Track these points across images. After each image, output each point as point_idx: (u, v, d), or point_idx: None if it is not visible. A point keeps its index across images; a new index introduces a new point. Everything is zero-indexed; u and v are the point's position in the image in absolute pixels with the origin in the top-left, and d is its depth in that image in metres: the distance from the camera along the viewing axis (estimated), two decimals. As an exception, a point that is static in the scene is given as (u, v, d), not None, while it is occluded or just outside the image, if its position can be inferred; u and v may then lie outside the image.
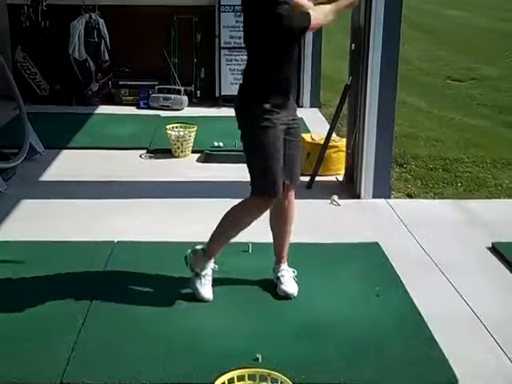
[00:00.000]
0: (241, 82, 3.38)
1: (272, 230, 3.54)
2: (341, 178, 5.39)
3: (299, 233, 3.68)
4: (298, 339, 3.11)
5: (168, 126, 6.10)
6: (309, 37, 7.79)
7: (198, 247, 3.49)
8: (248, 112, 3.29)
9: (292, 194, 3.48)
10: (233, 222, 3.41)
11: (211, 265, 3.45)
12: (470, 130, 7.74)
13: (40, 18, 7.87)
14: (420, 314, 3.33)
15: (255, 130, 3.26)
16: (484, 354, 3.06)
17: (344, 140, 5.49)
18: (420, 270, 3.87)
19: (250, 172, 3.34)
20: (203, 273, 3.43)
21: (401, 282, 3.66)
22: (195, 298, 3.42)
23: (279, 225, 3.52)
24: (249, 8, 3.22)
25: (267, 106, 3.22)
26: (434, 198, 5.17)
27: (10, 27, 8.07)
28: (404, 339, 3.14)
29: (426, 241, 4.22)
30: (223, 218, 3.41)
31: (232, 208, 3.40)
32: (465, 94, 10.23)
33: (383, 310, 3.39)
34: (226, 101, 7.81)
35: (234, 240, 3.60)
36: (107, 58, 8.08)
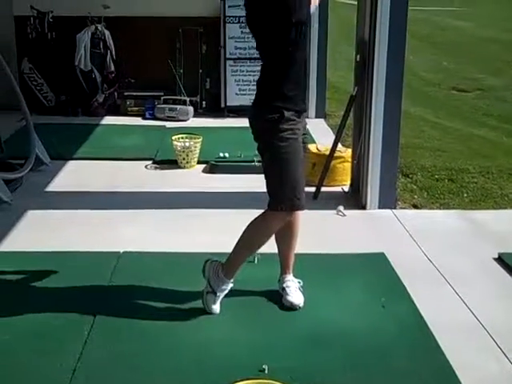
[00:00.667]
0: (249, 92, 3.37)
1: (277, 242, 3.53)
2: (346, 188, 5.38)
3: (305, 243, 3.67)
4: (305, 350, 3.10)
5: (173, 137, 6.12)
6: (314, 47, 7.81)
7: (214, 261, 3.42)
8: (268, 122, 3.12)
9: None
10: (251, 240, 3.33)
11: (228, 285, 3.40)
12: (476, 140, 7.73)
13: (46, 30, 7.93)
14: (426, 323, 3.32)
15: (278, 142, 3.11)
16: (490, 363, 3.04)
17: (349, 150, 5.49)
18: (426, 280, 3.86)
19: (272, 185, 3.20)
20: (218, 293, 3.38)
21: (407, 292, 3.65)
22: (201, 308, 3.41)
23: (284, 237, 3.51)
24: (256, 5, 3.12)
25: (289, 114, 3.11)
26: (439, 209, 5.16)
27: (16, 39, 8.13)
28: (410, 349, 3.13)
29: (432, 251, 4.21)
30: (241, 239, 3.33)
31: (248, 228, 3.31)
32: (470, 105, 10.23)
33: (389, 320, 3.38)
34: (231, 111, 7.84)
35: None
36: (113, 69, 8.13)
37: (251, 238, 3.33)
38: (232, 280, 3.40)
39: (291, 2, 3.01)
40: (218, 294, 3.37)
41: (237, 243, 3.35)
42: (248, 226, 3.33)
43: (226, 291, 3.40)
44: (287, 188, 3.17)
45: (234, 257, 3.37)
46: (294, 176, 3.16)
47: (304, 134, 3.33)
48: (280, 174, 3.17)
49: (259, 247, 3.37)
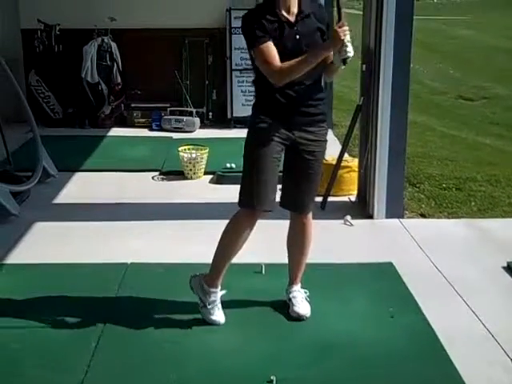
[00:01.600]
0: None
1: (288, 250, 3.54)
2: (353, 198, 5.38)
3: (312, 253, 3.66)
4: (313, 360, 3.09)
5: (180, 148, 6.13)
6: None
7: (197, 275, 3.47)
8: (248, 123, 3.35)
9: (303, 220, 3.44)
10: (223, 241, 3.36)
11: (217, 295, 3.40)
12: (483, 148, 7.72)
13: (53, 43, 7.98)
14: (435, 333, 3.30)
15: (249, 141, 3.30)
16: (499, 373, 3.01)
17: (356, 160, 5.49)
18: (434, 289, 3.84)
19: (241, 181, 3.34)
20: (209, 306, 3.40)
21: (415, 302, 3.64)
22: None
23: (294, 247, 3.52)
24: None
25: (262, 116, 3.23)
26: (447, 218, 5.14)
27: (23, 51, 8.18)
28: (419, 359, 3.11)
29: (440, 260, 4.19)
30: (218, 243, 3.38)
31: (224, 230, 3.38)
32: (477, 113, 10.23)
33: (398, 330, 3.36)
34: (237, 122, 7.84)
35: (247, 261, 3.60)
36: (119, 80, 8.16)
37: (223, 239, 3.36)
38: (218, 289, 3.40)
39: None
40: (209, 306, 3.38)
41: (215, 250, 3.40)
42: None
43: (218, 301, 3.40)
44: (248, 185, 3.29)
45: (213, 264, 3.41)
46: (257, 177, 3.24)
47: (304, 145, 3.29)
48: (245, 173, 3.32)
49: (232, 250, 3.33)
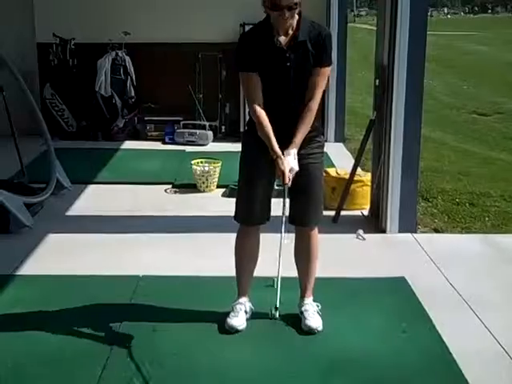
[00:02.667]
0: None
1: (296, 264, 3.55)
2: (366, 212, 5.36)
3: (325, 267, 3.65)
4: (324, 376, 3.06)
5: (193, 161, 6.14)
6: (332, 71, 7.83)
7: None
8: (241, 139, 3.48)
9: (306, 233, 3.45)
10: (235, 255, 3.53)
11: (239, 301, 3.51)
12: (497, 163, 7.69)
13: (68, 57, 8.06)
14: (449, 350, 3.26)
15: (241, 156, 3.39)
16: (515, 392, 2.99)
17: (369, 174, 5.48)
18: (448, 305, 3.81)
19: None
20: (230, 311, 3.50)
21: (428, 317, 3.60)
22: (220, 332, 3.42)
23: (300, 260, 3.53)
24: None
25: (252, 132, 3.26)
26: (461, 233, 5.11)
27: (39, 65, 8.26)
28: (433, 376, 3.08)
29: (454, 276, 4.16)
30: None
31: None
32: (490, 128, 10.19)
33: (411, 346, 3.33)
34: (250, 136, 7.85)
35: (258, 274, 3.59)
36: (133, 94, 8.22)
37: (234, 252, 3.53)
38: (241, 298, 3.52)
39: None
40: (230, 311, 3.49)
41: None
42: None
43: (238, 308, 3.49)
44: (237, 199, 3.44)
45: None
46: (242, 188, 3.39)
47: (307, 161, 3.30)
48: (238, 187, 3.43)
49: (239, 263, 3.51)
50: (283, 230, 3.13)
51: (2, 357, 3.18)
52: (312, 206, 3.40)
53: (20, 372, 3.07)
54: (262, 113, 3.17)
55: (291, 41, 3.16)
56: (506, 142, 9.15)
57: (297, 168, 3.16)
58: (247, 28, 7.72)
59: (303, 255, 3.50)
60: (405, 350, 3.30)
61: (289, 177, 3.13)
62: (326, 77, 3.24)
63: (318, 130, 3.37)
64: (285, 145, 3.18)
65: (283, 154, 3.14)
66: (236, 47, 3.27)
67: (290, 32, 3.15)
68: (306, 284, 3.55)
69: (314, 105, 3.20)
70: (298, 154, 3.20)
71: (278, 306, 3.06)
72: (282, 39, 3.16)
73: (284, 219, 3.18)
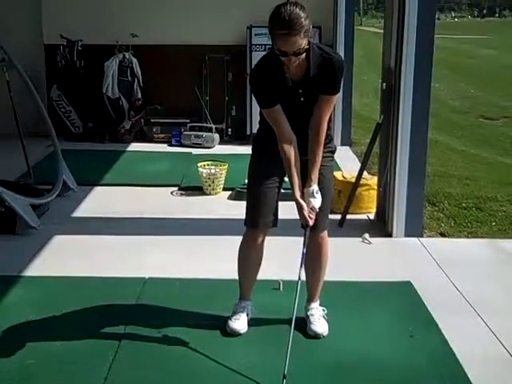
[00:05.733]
0: None
1: (305, 269, 3.52)
2: (372, 216, 5.35)
3: (331, 271, 3.64)
4: (330, 380, 3.06)
5: (199, 164, 6.15)
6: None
7: None
8: (251, 140, 3.54)
9: (318, 238, 3.43)
10: (238, 258, 3.50)
11: (240, 304, 3.50)
12: (504, 168, 7.67)
13: (75, 58, 8.07)
14: (455, 355, 3.25)
15: (251, 159, 3.40)
16: (521, 397, 2.97)
17: (375, 178, 5.47)
18: (454, 310, 3.80)
19: None
20: (231, 314, 3.50)
21: (434, 322, 3.59)
22: (225, 335, 3.42)
23: (310, 266, 3.49)
24: None
25: (259, 139, 3.34)
26: (467, 237, 5.09)
27: (46, 66, 8.28)
28: (438, 380, 3.06)
29: (460, 280, 4.15)
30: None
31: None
32: (498, 133, 10.18)
33: (417, 350, 3.32)
34: (256, 139, 7.85)
35: (264, 277, 3.58)
36: (140, 96, 8.23)
37: (238, 256, 3.51)
38: (243, 302, 3.51)
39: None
40: (231, 314, 3.49)
41: None
42: None
43: (239, 311, 3.48)
44: (247, 204, 3.42)
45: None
46: (250, 193, 3.38)
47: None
48: (247, 191, 3.44)
49: (243, 266, 3.48)
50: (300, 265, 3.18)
51: (9, 357, 3.18)
52: (324, 209, 3.36)
53: (26, 372, 3.07)
54: (290, 153, 3.13)
55: (303, 77, 3.11)
56: (513, 146, 9.14)
57: (318, 205, 3.17)
58: (254, 31, 7.80)
59: (314, 261, 3.47)
60: (411, 353, 3.29)
61: (310, 216, 3.15)
62: (334, 103, 3.23)
63: (328, 137, 3.35)
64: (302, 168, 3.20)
65: (303, 194, 3.18)
66: (250, 82, 3.30)
67: (301, 63, 3.05)
68: (313, 289, 3.54)
69: (322, 135, 3.18)
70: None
71: (285, 373, 2.95)
72: (294, 76, 3.11)
73: (303, 252, 3.20)
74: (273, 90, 3.11)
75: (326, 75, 3.11)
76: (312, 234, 3.41)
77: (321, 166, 3.25)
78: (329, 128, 3.28)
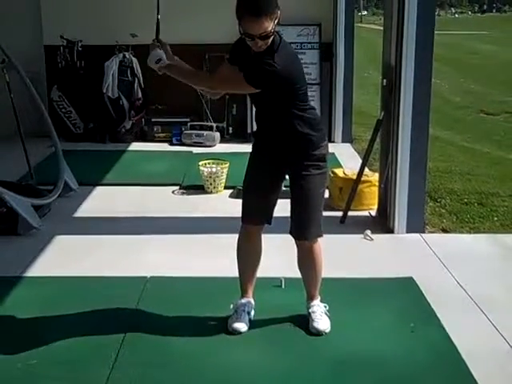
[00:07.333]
0: None
1: (299, 270, 3.51)
2: (374, 212, 5.34)
3: (332, 268, 3.64)
4: (332, 377, 3.05)
5: (200, 163, 6.14)
6: (340, 72, 7.84)
7: None
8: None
9: (305, 247, 3.39)
10: (236, 254, 3.52)
11: (241, 301, 3.50)
12: (505, 163, 7.65)
13: (75, 59, 8.07)
14: (457, 351, 3.25)
15: (249, 157, 3.46)
16: (525, 392, 2.97)
17: (376, 175, 5.46)
18: (456, 306, 3.79)
19: None
20: (232, 313, 3.49)
21: (437, 318, 3.59)
22: (228, 333, 3.42)
23: (303, 270, 3.50)
24: None
25: (255, 140, 3.42)
26: (469, 233, 5.09)
27: (46, 67, 8.28)
28: (441, 377, 3.06)
29: (463, 276, 4.14)
30: None
31: None
32: (499, 128, 10.15)
33: (419, 346, 3.31)
34: (257, 137, 7.84)
35: (266, 275, 3.58)
36: (140, 95, 8.22)
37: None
38: (243, 299, 3.50)
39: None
40: (232, 313, 3.48)
41: None
42: None
43: (239, 309, 3.46)
44: (242, 201, 3.48)
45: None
46: (244, 189, 3.47)
47: (289, 167, 3.33)
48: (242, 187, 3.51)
49: (240, 262, 3.51)
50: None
51: (12, 357, 3.19)
52: (311, 218, 3.31)
53: (29, 372, 3.08)
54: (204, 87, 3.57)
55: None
56: (515, 141, 9.11)
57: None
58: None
59: (304, 267, 3.47)
60: (413, 349, 3.28)
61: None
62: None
63: (315, 145, 3.26)
64: (281, 152, 3.26)
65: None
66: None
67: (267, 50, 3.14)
68: (310, 288, 3.52)
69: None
70: (299, 164, 3.24)
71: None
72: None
73: None
74: (241, 60, 3.28)
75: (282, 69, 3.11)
76: (300, 244, 3.39)
77: (304, 174, 3.23)
78: (320, 130, 3.29)
